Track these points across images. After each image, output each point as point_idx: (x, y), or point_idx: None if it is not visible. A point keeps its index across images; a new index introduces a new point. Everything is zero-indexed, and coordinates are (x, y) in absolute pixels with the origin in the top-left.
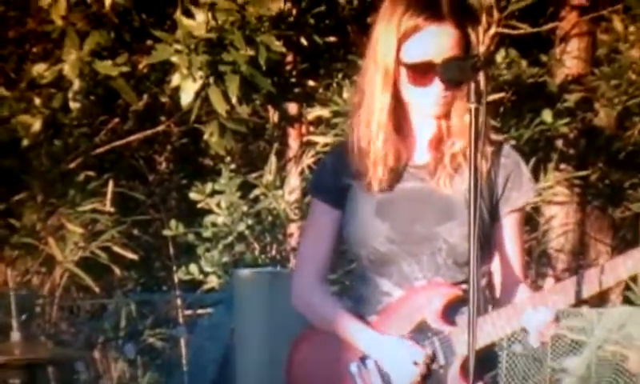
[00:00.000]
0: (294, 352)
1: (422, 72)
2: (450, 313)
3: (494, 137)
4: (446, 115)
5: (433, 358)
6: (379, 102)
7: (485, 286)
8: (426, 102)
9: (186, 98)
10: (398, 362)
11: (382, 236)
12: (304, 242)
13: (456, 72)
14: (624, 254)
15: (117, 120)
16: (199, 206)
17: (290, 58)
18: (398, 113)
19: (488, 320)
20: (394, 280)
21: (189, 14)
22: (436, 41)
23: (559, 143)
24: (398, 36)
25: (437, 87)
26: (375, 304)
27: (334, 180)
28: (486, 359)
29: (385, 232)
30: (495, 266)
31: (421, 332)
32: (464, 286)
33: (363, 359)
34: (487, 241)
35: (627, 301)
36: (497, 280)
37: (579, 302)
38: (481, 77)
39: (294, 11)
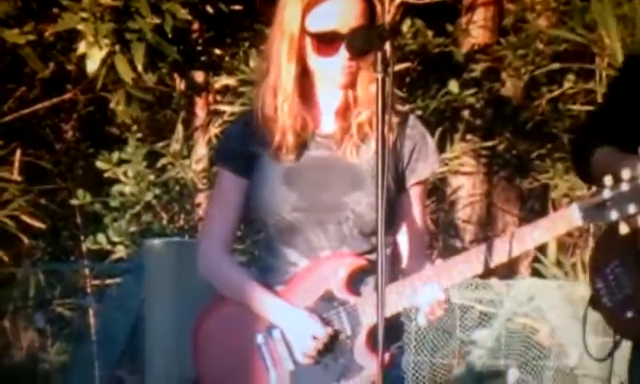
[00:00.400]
0: (200, 322)
1: (326, 41)
2: (355, 283)
3: (400, 108)
4: (352, 85)
5: (336, 335)
6: (285, 71)
7: (390, 256)
8: (331, 72)
9: (92, 65)
10: (299, 334)
11: (289, 204)
12: (210, 210)
13: (362, 41)
14: (531, 224)
15: (23, 88)
16: (106, 175)
17: (195, 26)
18: (304, 82)
19: (393, 290)
20: (301, 250)
21: None
22: (340, 10)
23: (466, 113)
24: (303, 5)
25: (342, 57)
26: (282, 274)
27: (241, 148)
28: (392, 330)
29: (292, 200)
30: (400, 236)
31: (326, 302)
32: (369, 257)
33: (270, 329)
34: (392, 211)
35: (536, 273)
36: (402, 250)
37: (486, 272)
38: (387, 46)
39: None
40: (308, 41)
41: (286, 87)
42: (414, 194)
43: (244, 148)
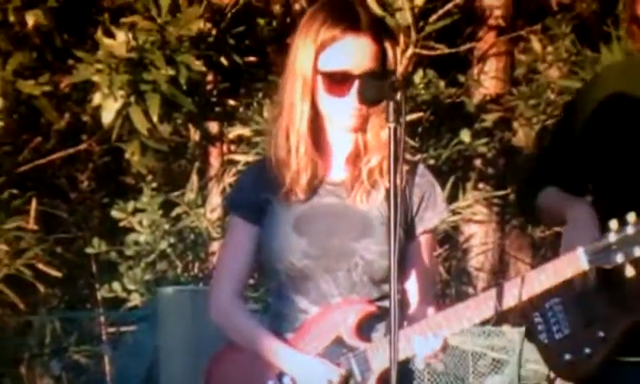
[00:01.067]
0: (211, 368)
1: (338, 81)
2: (364, 329)
3: (409, 157)
4: (362, 129)
5: (348, 377)
6: (298, 112)
7: (399, 303)
8: (341, 113)
9: (108, 116)
10: (312, 381)
11: (300, 251)
12: (222, 257)
13: (374, 91)
14: (538, 268)
15: (39, 139)
16: (121, 224)
17: (210, 77)
18: (316, 125)
19: (401, 336)
20: (311, 298)
21: (109, 34)
22: (353, 51)
23: (478, 162)
24: (316, 46)
25: (352, 98)
26: (293, 321)
27: (252, 195)
28: (402, 376)
29: (302, 247)
30: (408, 284)
31: (336, 348)
32: (379, 303)
33: (280, 377)
34: (402, 259)
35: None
36: (410, 297)
37: (499, 319)
38: (399, 96)
39: (214, 31)
40: (320, 81)
41: (300, 128)
42: (423, 242)
43: (255, 195)
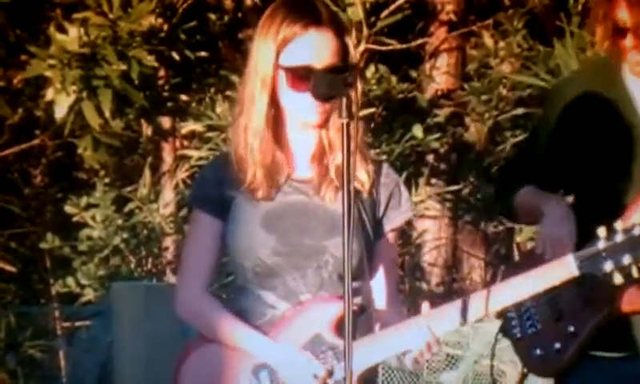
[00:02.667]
0: (180, 363)
1: (300, 76)
2: (343, 327)
3: (374, 156)
4: (324, 125)
5: (331, 373)
6: (257, 109)
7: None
8: (304, 109)
9: (60, 111)
10: (297, 374)
11: (268, 248)
12: (187, 253)
13: (326, 87)
14: (525, 273)
15: None
16: (75, 219)
17: (162, 72)
18: (277, 122)
19: (378, 338)
20: (278, 293)
21: (62, 30)
22: (315, 46)
23: (430, 158)
24: (277, 43)
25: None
26: (259, 315)
27: (216, 190)
28: (373, 375)
29: (271, 244)
30: (375, 281)
31: (315, 345)
32: (355, 300)
33: (256, 371)
34: (370, 257)
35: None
36: (376, 295)
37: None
38: (352, 92)
39: (166, 26)
40: (282, 76)
41: (258, 125)
42: (388, 240)
43: (219, 190)
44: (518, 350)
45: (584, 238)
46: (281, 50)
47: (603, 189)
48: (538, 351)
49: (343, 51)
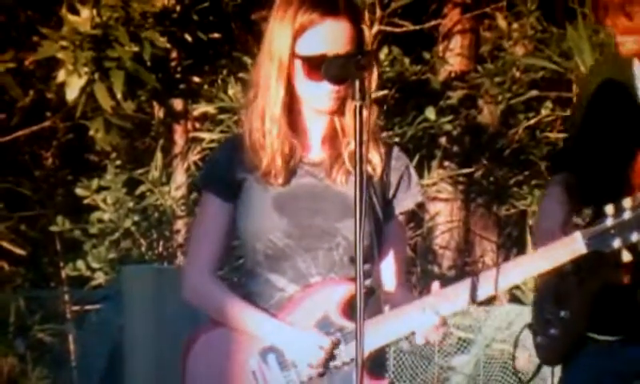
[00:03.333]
0: (189, 346)
1: (317, 65)
2: (351, 308)
3: (385, 139)
4: (339, 111)
5: (337, 343)
6: (273, 95)
7: (375, 283)
8: (318, 97)
9: (72, 93)
10: (303, 348)
11: (280, 230)
12: (195, 235)
13: (338, 69)
14: (534, 252)
15: (3, 116)
16: (85, 202)
17: (174, 54)
18: (292, 108)
19: (385, 320)
20: (288, 276)
21: (74, 11)
22: (332, 35)
23: (443, 140)
24: (294, 30)
25: (330, 85)
26: (268, 299)
27: (226, 173)
28: (380, 358)
29: (283, 226)
30: (385, 263)
31: (323, 327)
32: (364, 283)
33: (264, 354)
34: (380, 239)
35: (515, 299)
36: (385, 277)
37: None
38: (366, 74)
39: (178, 8)
40: (298, 65)
41: (274, 112)
42: (397, 223)
43: (230, 172)
44: (533, 340)
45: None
46: (297, 37)
47: (613, 171)
48: (539, 338)
49: (358, 39)
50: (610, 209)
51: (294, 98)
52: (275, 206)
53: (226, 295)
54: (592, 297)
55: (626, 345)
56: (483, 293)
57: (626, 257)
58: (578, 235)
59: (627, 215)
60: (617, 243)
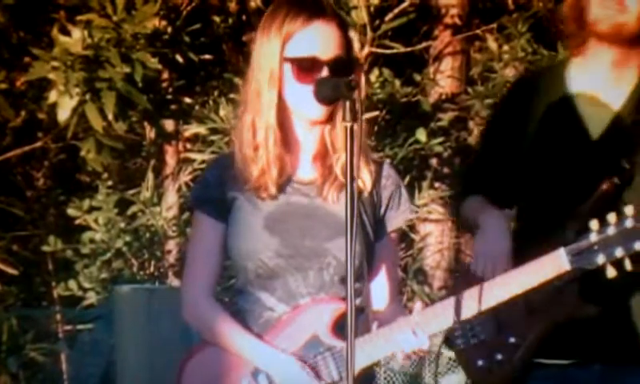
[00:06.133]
0: (183, 366)
1: (307, 68)
2: (340, 328)
3: (376, 157)
4: (327, 122)
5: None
6: (266, 101)
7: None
8: (308, 103)
9: (63, 114)
10: (292, 379)
11: (271, 250)
12: (191, 256)
13: (330, 91)
14: (517, 269)
15: None
16: (77, 222)
17: (165, 75)
18: (283, 120)
19: (371, 339)
20: (278, 295)
21: (65, 32)
22: (320, 37)
23: (434, 162)
24: (282, 37)
25: None
26: (257, 318)
27: (218, 192)
28: (370, 377)
29: (274, 246)
30: (375, 282)
31: (312, 347)
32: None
33: (255, 374)
34: (370, 258)
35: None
36: (377, 296)
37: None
38: (356, 95)
39: (170, 29)
40: (287, 70)
41: (268, 119)
42: (388, 242)
43: (221, 191)
44: (461, 361)
45: (536, 248)
46: (286, 43)
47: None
48: (480, 362)
49: (347, 44)
50: (594, 224)
51: (284, 109)
52: (266, 226)
53: (221, 318)
54: (551, 326)
55: (577, 368)
56: (467, 312)
57: (611, 273)
58: (561, 252)
59: (611, 230)
60: (601, 259)
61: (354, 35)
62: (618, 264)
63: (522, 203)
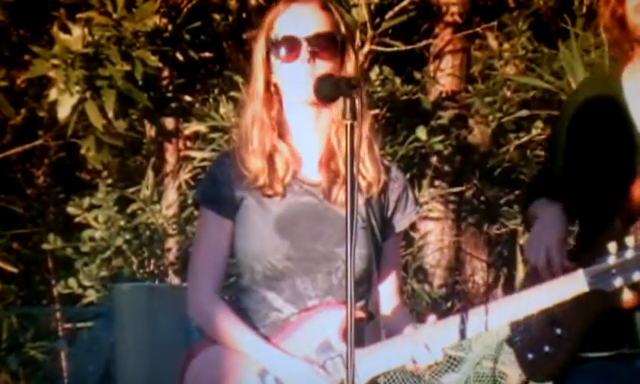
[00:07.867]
0: (187, 364)
1: (286, 47)
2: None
3: (385, 162)
4: (320, 105)
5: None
6: (253, 91)
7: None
8: (295, 84)
9: (63, 112)
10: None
11: (281, 253)
12: (197, 253)
13: (330, 89)
14: (535, 287)
15: None
16: (77, 220)
17: (166, 72)
18: (275, 108)
19: (382, 349)
20: (285, 296)
21: (65, 29)
22: (298, 17)
23: (434, 160)
24: (266, 28)
25: (302, 63)
26: (263, 318)
27: (226, 190)
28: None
29: (284, 249)
30: (382, 285)
31: (324, 352)
32: (359, 305)
33: (262, 375)
34: (377, 260)
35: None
36: (385, 298)
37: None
38: (357, 93)
39: (170, 27)
40: (273, 55)
41: (256, 109)
42: (393, 243)
43: (229, 189)
44: (518, 356)
45: (593, 254)
46: (269, 31)
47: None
48: (530, 355)
49: (332, 22)
50: (612, 247)
51: (277, 96)
52: (276, 229)
53: (229, 318)
54: (595, 318)
55: (621, 362)
56: (488, 325)
57: (627, 296)
58: (580, 273)
59: (630, 254)
60: (618, 282)
61: (338, 15)
62: (635, 287)
63: (581, 209)
